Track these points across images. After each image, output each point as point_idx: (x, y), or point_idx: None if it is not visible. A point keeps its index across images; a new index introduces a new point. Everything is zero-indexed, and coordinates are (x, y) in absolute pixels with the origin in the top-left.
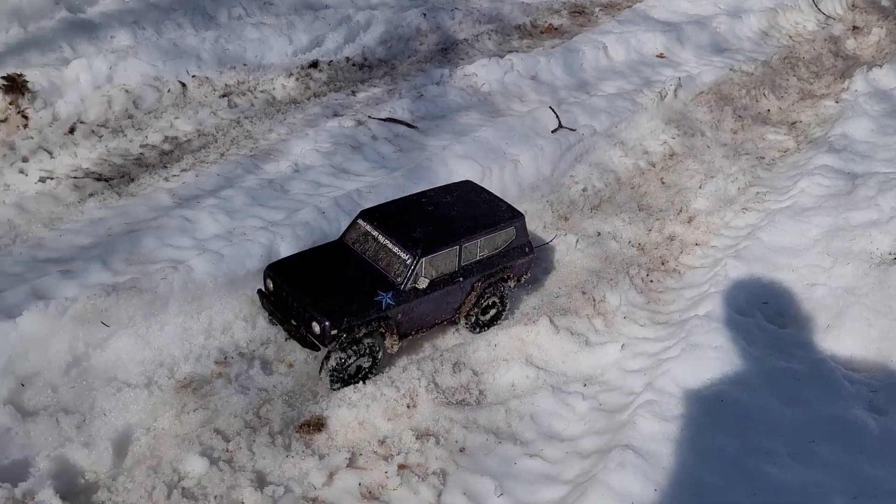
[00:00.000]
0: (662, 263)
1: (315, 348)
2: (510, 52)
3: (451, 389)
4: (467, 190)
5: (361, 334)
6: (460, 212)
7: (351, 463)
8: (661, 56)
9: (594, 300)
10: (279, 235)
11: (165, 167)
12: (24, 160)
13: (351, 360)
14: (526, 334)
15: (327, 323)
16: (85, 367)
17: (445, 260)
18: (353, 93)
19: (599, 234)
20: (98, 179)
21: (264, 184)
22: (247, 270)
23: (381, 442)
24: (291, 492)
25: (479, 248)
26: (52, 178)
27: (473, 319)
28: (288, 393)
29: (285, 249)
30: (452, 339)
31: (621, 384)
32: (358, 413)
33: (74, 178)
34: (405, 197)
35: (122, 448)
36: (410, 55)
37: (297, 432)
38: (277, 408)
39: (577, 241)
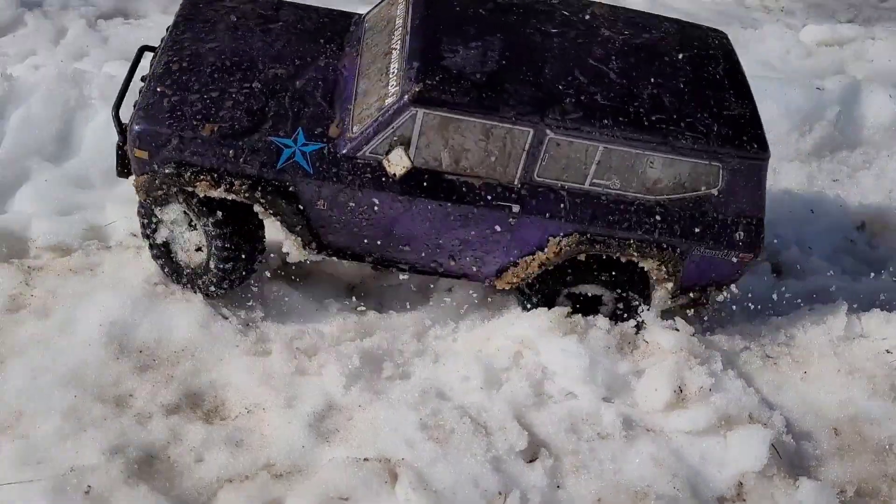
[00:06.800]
0: None
1: (120, 172)
2: None
3: None
4: (695, 48)
5: (210, 194)
6: (632, 71)
7: None
8: None
9: None
10: None
11: None
12: None
13: (172, 230)
14: None
15: (137, 132)
16: None
17: (492, 145)
18: None
19: None
20: None
21: None
22: None
23: None
24: None
25: (607, 166)
26: None
27: (538, 304)
28: None
29: None
30: None
31: None
32: None
33: None
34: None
35: None
36: None
37: None
38: None
39: None
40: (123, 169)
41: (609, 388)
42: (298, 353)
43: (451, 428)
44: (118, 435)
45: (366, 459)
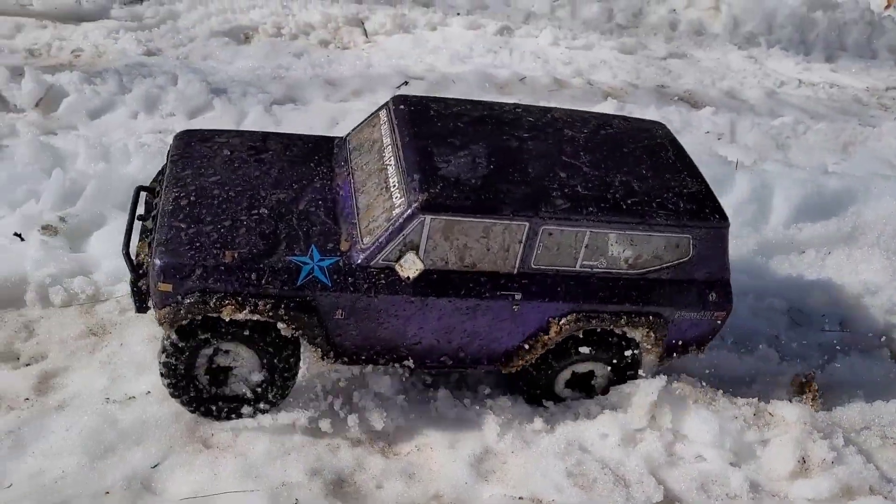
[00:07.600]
0: None
1: (140, 308)
2: None
3: None
4: (645, 139)
5: (235, 317)
6: (601, 164)
7: None
8: None
9: None
10: None
11: None
12: None
13: (201, 364)
14: None
15: (160, 266)
16: None
17: (492, 240)
18: None
19: None
20: None
21: None
22: None
23: None
24: None
25: (594, 248)
26: None
27: (541, 384)
28: None
29: None
30: None
31: None
32: None
33: None
34: (495, 107)
35: None
36: None
37: None
38: None
39: None
40: (142, 304)
41: (736, 454)
42: (458, 402)
43: (593, 477)
44: (315, 459)
45: (520, 498)
